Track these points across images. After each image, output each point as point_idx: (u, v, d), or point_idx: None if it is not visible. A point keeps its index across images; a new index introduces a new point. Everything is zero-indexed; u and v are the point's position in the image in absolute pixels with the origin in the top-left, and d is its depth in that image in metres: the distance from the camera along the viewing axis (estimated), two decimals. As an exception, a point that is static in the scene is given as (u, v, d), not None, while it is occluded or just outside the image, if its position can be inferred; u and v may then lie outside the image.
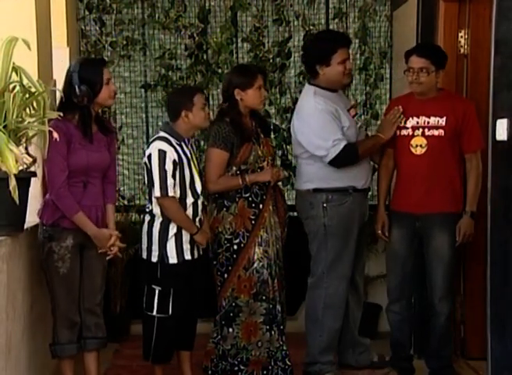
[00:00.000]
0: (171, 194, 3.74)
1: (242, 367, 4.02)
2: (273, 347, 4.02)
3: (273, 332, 4.01)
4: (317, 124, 3.98)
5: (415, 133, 3.95)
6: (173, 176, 3.73)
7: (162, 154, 3.72)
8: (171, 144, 3.76)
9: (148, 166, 3.76)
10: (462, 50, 4.32)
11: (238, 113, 3.98)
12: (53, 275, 3.52)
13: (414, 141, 3.95)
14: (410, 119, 3.97)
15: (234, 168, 3.97)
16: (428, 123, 3.93)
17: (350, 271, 4.15)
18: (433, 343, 4.06)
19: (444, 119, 3.90)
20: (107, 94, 3.55)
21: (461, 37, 4.31)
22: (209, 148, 4.01)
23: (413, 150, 3.95)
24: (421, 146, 3.93)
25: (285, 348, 4.04)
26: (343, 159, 3.98)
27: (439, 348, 4.05)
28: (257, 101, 4.00)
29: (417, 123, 3.95)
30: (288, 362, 4.04)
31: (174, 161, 3.73)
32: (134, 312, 4.01)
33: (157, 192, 3.74)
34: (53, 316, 3.59)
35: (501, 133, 3.05)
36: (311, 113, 4.01)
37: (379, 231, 4.12)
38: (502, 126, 3.04)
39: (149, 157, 3.75)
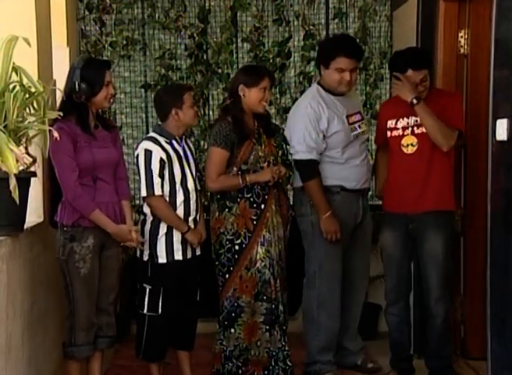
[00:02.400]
0: (157, 193, 3.76)
1: (243, 368, 4.01)
2: (274, 347, 4.01)
3: (275, 332, 3.99)
4: (299, 125, 4.03)
5: (405, 133, 3.96)
6: (161, 174, 3.76)
7: (148, 153, 3.77)
8: (158, 144, 3.79)
9: (137, 166, 3.82)
10: (462, 50, 4.32)
11: (240, 110, 3.97)
12: (74, 276, 3.51)
13: (404, 141, 3.96)
14: (401, 119, 3.97)
15: (235, 168, 3.96)
16: (417, 121, 3.92)
17: (340, 270, 4.16)
18: (432, 344, 4.06)
19: None
20: (104, 96, 3.55)
21: (461, 37, 4.31)
22: (210, 146, 4.01)
23: (404, 149, 3.96)
24: (411, 145, 3.94)
25: (287, 348, 4.03)
26: (301, 168, 4.09)
27: (438, 349, 4.04)
28: (257, 102, 3.97)
29: (408, 123, 3.95)
30: (289, 363, 4.03)
31: (161, 159, 3.76)
32: (134, 312, 4.00)
33: (143, 192, 3.80)
34: (70, 318, 3.57)
35: (501, 134, 3.04)
36: (299, 113, 4.08)
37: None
38: (502, 126, 3.03)
39: (137, 158, 3.82)
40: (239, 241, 3.95)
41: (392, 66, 4.05)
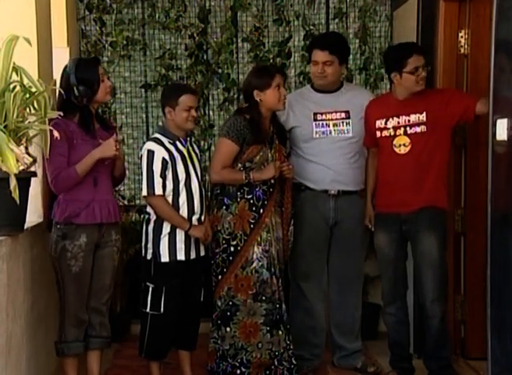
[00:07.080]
0: (158, 192, 3.76)
1: (243, 369, 3.97)
2: (277, 347, 3.96)
3: (280, 332, 3.97)
4: None
5: (397, 133, 3.94)
6: (163, 175, 3.76)
7: (151, 154, 3.78)
8: (162, 144, 3.80)
9: (140, 167, 3.86)
10: (462, 50, 4.32)
11: (258, 113, 3.94)
12: (65, 273, 3.55)
13: (396, 141, 3.94)
14: (391, 119, 3.96)
15: (239, 164, 3.94)
16: (409, 121, 3.92)
17: (312, 270, 4.22)
18: (430, 344, 4.04)
19: (424, 114, 3.89)
20: (104, 91, 3.63)
21: (461, 37, 4.31)
22: (220, 137, 3.99)
23: (396, 150, 3.95)
24: (404, 145, 3.92)
25: (291, 347, 4.01)
26: None
27: (436, 349, 4.03)
28: (276, 101, 3.94)
29: (398, 122, 3.94)
30: (294, 362, 4.01)
31: (163, 159, 3.76)
32: (134, 312, 4.01)
33: (144, 191, 3.81)
34: (61, 314, 3.61)
35: (501, 133, 3.04)
36: None
37: (368, 224, 4.17)
38: (502, 126, 3.03)
39: (140, 158, 3.84)
40: (234, 243, 3.93)
41: (394, 58, 3.93)
